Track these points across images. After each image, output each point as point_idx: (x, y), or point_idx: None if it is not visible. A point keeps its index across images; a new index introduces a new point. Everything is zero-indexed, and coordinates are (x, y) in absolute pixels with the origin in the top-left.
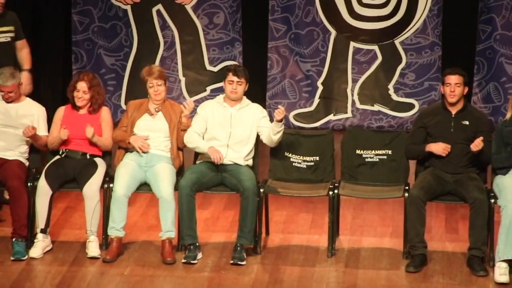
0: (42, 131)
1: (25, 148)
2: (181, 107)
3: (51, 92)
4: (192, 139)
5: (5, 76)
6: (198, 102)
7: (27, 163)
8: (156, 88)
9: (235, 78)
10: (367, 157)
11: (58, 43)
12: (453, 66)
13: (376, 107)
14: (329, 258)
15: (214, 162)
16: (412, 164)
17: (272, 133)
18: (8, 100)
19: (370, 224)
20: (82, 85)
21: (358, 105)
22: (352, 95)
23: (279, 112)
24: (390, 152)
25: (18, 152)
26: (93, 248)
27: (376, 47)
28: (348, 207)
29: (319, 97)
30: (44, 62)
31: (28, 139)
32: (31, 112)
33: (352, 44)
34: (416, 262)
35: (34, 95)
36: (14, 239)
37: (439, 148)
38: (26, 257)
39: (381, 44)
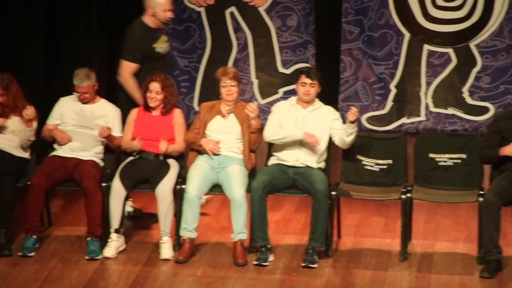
0: (117, 132)
1: (100, 149)
2: (246, 110)
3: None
4: (276, 132)
5: (80, 77)
6: (270, 104)
7: (102, 164)
8: (229, 88)
9: (307, 80)
10: (441, 161)
11: None
12: None
13: (450, 111)
14: (402, 262)
15: (313, 145)
16: (487, 168)
17: (345, 135)
18: (83, 101)
19: (443, 228)
20: (155, 86)
21: (431, 108)
22: (426, 98)
23: (352, 113)
24: (464, 156)
25: (93, 153)
26: (166, 250)
27: (451, 50)
28: (421, 211)
29: (392, 100)
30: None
31: (103, 139)
32: (106, 113)
33: (426, 47)
34: (490, 268)
35: (110, 97)
36: (88, 239)
37: None
38: (100, 256)
39: (455, 47)
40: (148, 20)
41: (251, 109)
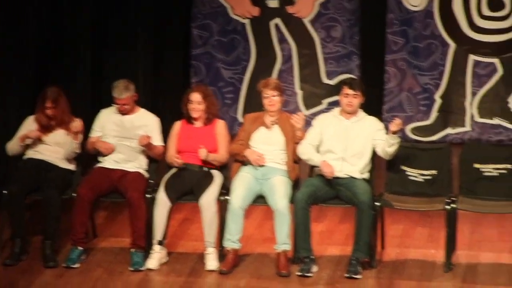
0: (157, 140)
1: (144, 160)
2: (292, 121)
3: (171, 106)
4: (306, 151)
5: (119, 89)
6: (314, 115)
7: (146, 175)
8: (270, 99)
9: (350, 91)
10: (486, 171)
11: (178, 57)
12: None
13: (496, 121)
14: (446, 273)
15: (326, 177)
16: None
17: (387, 145)
18: (123, 112)
19: (488, 239)
20: (196, 96)
21: (477, 118)
22: (471, 108)
23: (396, 124)
24: (510, 166)
25: (137, 164)
26: (212, 261)
27: (497, 60)
28: (465, 221)
29: (437, 111)
30: (164, 77)
31: (144, 148)
32: (145, 123)
33: (472, 57)
34: None
35: (154, 110)
36: (132, 250)
37: None
38: (144, 268)
39: (501, 57)
40: None
41: (298, 119)
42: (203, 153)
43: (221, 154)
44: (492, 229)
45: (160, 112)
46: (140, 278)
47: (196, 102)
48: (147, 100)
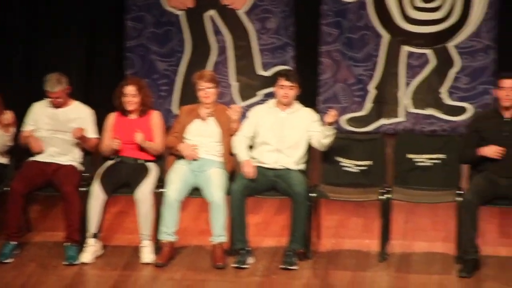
0: (91, 133)
1: (79, 153)
2: (228, 113)
3: (104, 98)
4: (237, 144)
5: (51, 82)
6: (250, 107)
7: (81, 168)
8: (205, 91)
9: (286, 83)
10: (419, 162)
11: (111, 49)
12: (508, 69)
13: (429, 111)
14: (381, 263)
15: (246, 176)
16: (465, 168)
17: (322, 137)
18: (56, 106)
19: (422, 228)
20: (130, 89)
21: (410, 109)
22: (405, 99)
23: (331, 116)
24: (443, 156)
25: (71, 157)
26: (147, 254)
27: (430, 51)
28: (399, 211)
29: (371, 102)
30: (98, 69)
31: (78, 141)
32: (79, 116)
33: (405, 48)
34: (468, 267)
35: (88, 102)
36: (67, 244)
37: (491, 150)
38: (78, 261)
39: (434, 48)
40: None
41: (234, 111)
42: (139, 137)
43: (157, 143)
44: (426, 218)
45: (94, 104)
46: (75, 272)
47: (130, 95)
48: (81, 92)
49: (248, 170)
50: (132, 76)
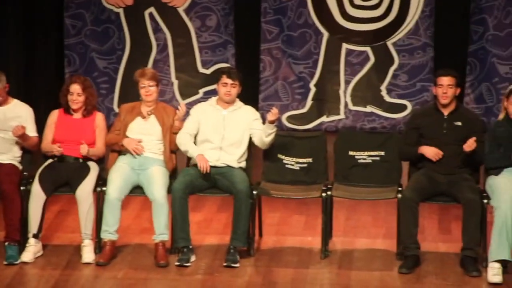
0: (31, 131)
1: (18, 152)
2: (176, 110)
3: (44, 96)
4: (183, 141)
5: None
6: (190, 105)
7: (20, 167)
8: (147, 89)
9: (228, 81)
10: (360, 159)
11: (50, 47)
12: (445, 67)
13: (369, 109)
14: (322, 260)
15: (201, 171)
16: (405, 165)
17: (264, 135)
18: None
19: (363, 225)
20: (75, 88)
21: (350, 106)
22: (345, 96)
23: (273, 114)
24: (383, 153)
25: (11, 156)
26: (88, 253)
27: (369, 48)
28: (341, 208)
29: (312, 99)
30: (37, 66)
31: (18, 140)
32: (19, 114)
33: (345, 46)
34: (409, 263)
35: (27, 100)
36: (7, 243)
37: (431, 152)
38: (19, 261)
39: (373, 46)
40: None
41: (181, 109)
42: (84, 149)
43: (99, 147)
44: (367, 215)
45: (33, 102)
46: (15, 272)
47: (76, 93)
48: (20, 90)
49: (205, 165)
50: (76, 74)
